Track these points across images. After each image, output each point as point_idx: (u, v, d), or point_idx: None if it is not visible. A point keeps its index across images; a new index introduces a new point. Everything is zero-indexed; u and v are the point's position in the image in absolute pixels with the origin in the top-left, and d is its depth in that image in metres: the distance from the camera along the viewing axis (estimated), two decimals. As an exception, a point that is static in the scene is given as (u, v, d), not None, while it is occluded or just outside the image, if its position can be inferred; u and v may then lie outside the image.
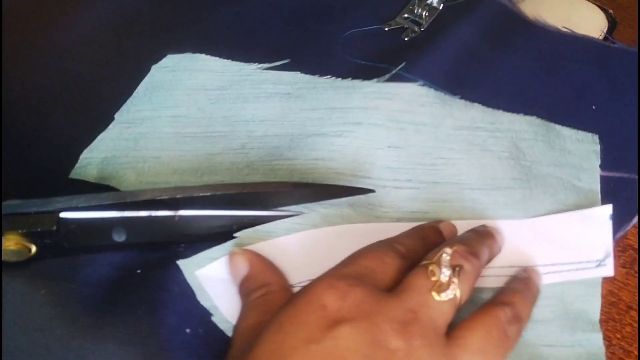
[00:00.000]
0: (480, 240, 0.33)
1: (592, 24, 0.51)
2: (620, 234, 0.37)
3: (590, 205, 0.37)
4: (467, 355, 0.27)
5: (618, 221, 0.37)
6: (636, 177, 0.40)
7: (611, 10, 0.52)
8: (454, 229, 0.35)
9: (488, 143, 0.41)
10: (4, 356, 0.30)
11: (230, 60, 0.45)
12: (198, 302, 0.33)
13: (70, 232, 0.31)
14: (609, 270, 0.35)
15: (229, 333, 0.32)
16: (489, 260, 0.34)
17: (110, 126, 0.41)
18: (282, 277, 0.33)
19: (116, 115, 0.42)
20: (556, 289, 0.34)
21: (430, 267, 0.28)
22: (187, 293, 0.33)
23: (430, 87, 0.43)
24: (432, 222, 0.35)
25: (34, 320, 0.31)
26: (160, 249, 0.35)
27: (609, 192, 0.39)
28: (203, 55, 0.45)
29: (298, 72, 0.44)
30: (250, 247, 0.34)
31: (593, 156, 0.41)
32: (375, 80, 0.43)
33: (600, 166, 0.40)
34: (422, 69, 0.44)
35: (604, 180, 0.39)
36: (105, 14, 0.49)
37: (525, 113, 0.42)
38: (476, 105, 0.43)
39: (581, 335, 0.33)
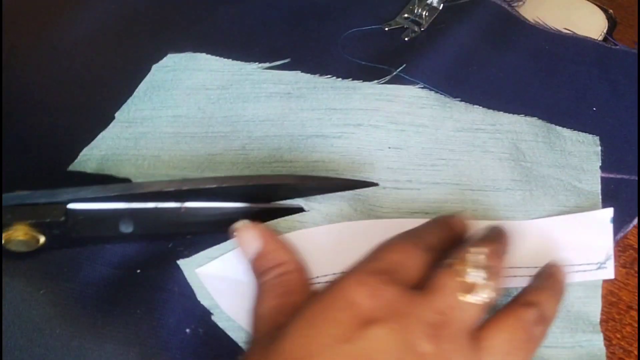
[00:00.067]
0: (501, 240, 0.32)
1: (592, 24, 0.51)
2: (620, 235, 0.38)
3: (590, 206, 0.38)
4: (493, 357, 0.27)
5: (618, 222, 0.37)
6: (636, 178, 0.40)
7: (611, 10, 0.52)
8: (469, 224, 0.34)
9: (488, 144, 0.41)
10: (4, 356, 0.30)
11: (230, 60, 0.45)
12: (198, 302, 0.32)
13: (78, 223, 0.31)
14: (609, 272, 0.35)
15: (230, 332, 0.32)
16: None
17: (111, 125, 0.41)
18: (296, 255, 0.32)
19: (117, 115, 0.42)
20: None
21: (459, 267, 0.28)
22: (187, 293, 0.33)
23: (430, 89, 0.43)
24: (454, 213, 0.34)
25: (33, 320, 0.31)
26: (166, 241, 0.35)
27: (610, 193, 0.39)
28: (203, 55, 0.45)
29: (298, 72, 0.44)
30: None
31: (594, 157, 0.41)
32: (375, 81, 0.43)
33: (601, 167, 0.40)
34: (423, 71, 0.44)
35: (604, 182, 0.39)
36: (106, 14, 0.49)
37: (526, 114, 0.43)
38: (476, 107, 0.43)
39: (582, 337, 0.33)
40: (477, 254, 0.28)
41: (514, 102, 0.43)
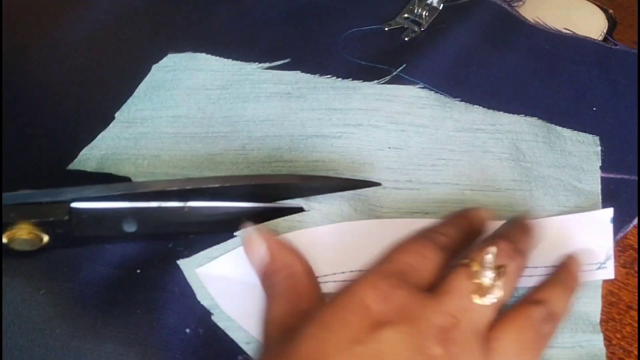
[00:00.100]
0: (524, 235, 0.32)
1: (592, 24, 0.51)
2: (620, 235, 0.38)
3: (591, 206, 0.38)
4: (502, 358, 0.27)
5: (618, 222, 0.37)
6: (636, 178, 0.40)
7: (611, 10, 0.52)
8: (491, 216, 0.34)
9: (488, 144, 0.41)
10: (4, 356, 0.30)
11: (230, 60, 0.45)
12: (198, 302, 0.32)
13: (81, 222, 0.32)
14: (609, 272, 0.35)
15: (229, 332, 0.32)
16: (534, 248, 0.33)
17: (111, 125, 0.41)
18: (302, 257, 0.32)
19: (117, 115, 0.41)
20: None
21: (473, 268, 0.28)
22: (187, 293, 0.33)
23: (430, 89, 0.43)
24: (473, 208, 0.34)
25: (33, 320, 0.31)
26: (167, 241, 0.35)
27: (610, 193, 0.39)
28: (203, 55, 0.45)
29: (298, 72, 0.44)
30: None
31: (594, 157, 0.41)
32: (375, 81, 0.43)
33: (601, 167, 0.40)
34: (423, 71, 0.44)
35: (604, 182, 0.39)
36: (106, 14, 0.49)
37: (526, 114, 0.43)
38: (476, 107, 0.43)
39: (581, 337, 0.33)
40: (490, 255, 0.28)
41: (514, 102, 0.43)
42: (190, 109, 0.42)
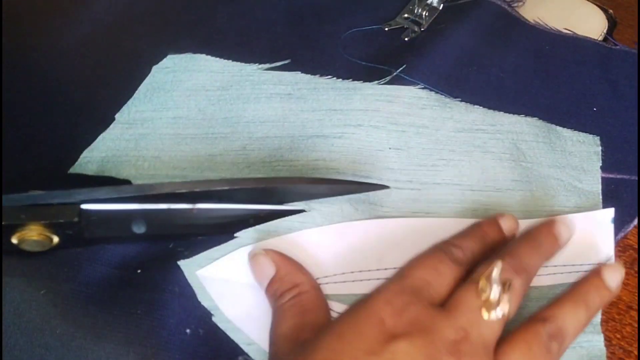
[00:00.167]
0: (531, 251, 0.32)
1: (592, 23, 0.51)
2: (620, 235, 0.38)
3: (591, 206, 0.38)
4: None
5: (619, 222, 0.37)
6: (637, 178, 0.40)
7: (611, 10, 0.52)
8: (514, 223, 0.35)
9: (489, 144, 0.41)
10: (4, 356, 0.30)
11: (230, 61, 0.45)
12: (198, 303, 0.33)
13: (91, 223, 0.32)
14: None
15: (230, 333, 0.32)
16: (551, 256, 0.34)
17: (111, 126, 0.41)
18: (310, 275, 0.33)
19: (117, 116, 0.42)
20: (557, 290, 0.34)
21: (481, 284, 0.29)
22: (187, 293, 0.33)
23: (430, 90, 0.43)
24: (493, 217, 0.35)
25: (33, 320, 0.31)
26: (169, 242, 0.35)
27: (610, 193, 0.39)
28: (203, 56, 0.45)
29: (298, 72, 0.44)
30: (263, 243, 0.34)
31: (594, 158, 0.41)
32: (375, 82, 0.43)
33: (601, 168, 0.40)
34: (423, 72, 0.44)
35: (604, 182, 0.39)
36: (106, 14, 0.49)
37: (526, 115, 0.42)
38: (477, 107, 0.43)
39: (582, 337, 0.33)
40: (496, 270, 0.29)
41: (514, 103, 0.43)
42: (191, 110, 0.42)
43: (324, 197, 0.36)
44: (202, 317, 0.32)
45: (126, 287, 0.33)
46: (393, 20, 0.49)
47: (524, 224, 0.36)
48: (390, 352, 0.26)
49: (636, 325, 0.35)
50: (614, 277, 0.32)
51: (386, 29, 0.49)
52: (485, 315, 0.28)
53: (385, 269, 0.34)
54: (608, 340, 0.34)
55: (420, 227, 0.36)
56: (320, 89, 0.43)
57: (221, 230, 0.34)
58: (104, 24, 0.48)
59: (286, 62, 0.45)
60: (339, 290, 0.34)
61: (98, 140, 0.40)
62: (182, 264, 0.33)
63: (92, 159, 0.39)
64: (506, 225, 0.34)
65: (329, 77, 0.44)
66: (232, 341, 0.32)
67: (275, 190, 0.34)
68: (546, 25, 0.50)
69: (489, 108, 0.43)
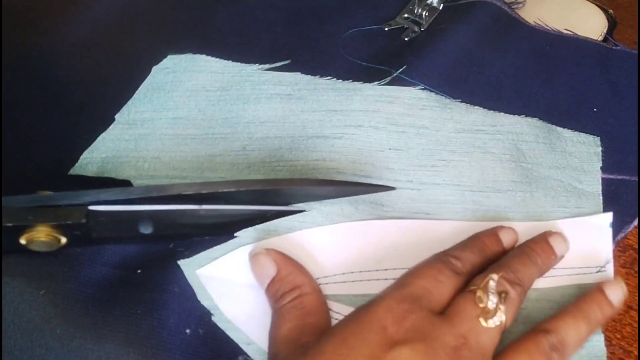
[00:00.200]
0: (525, 265, 0.33)
1: (592, 24, 0.51)
2: (620, 235, 0.38)
3: (591, 207, 0.38)
4: None
5: (619, 223, 0.37)
6: (637, 179, 0.40)
7: (611, 10, 0.52)
8: (513, 236, 0.35)
9: (489, 145, 0.41)
10: (4, 356, 0.30)
11: (230, 61, 0.45)
12: (198, 303, 0.33)
13: (99, 224, 0.32)
14: (609, 276, 0.35)
15: (229, 333, 0.32)
16: (547, 269, 0.34)
17: (111, 127, 0.41)
18: (311, 277, 0.33)
19: (117, 116, 0.41)
20: (556, 293, 0.34)
21: (478, 294, 0.30)
22: (187, 293, 0.33)
23: (430, 90, 0.43)
24: (492, 228, 0.35)
25: (33, 320, 0.31)
26: (168, 242, 0.35)
27: (610, 194, 0.39)
28: (203, 56, 0.45)
29: (299, 73, 0.44)
30: (263, 243, 0.34)
31: (594, 158, 0.41)
32: (376, 83, 0.43)
33: (602, 168, 0.40)
34: (423, 72, 0.44)
35: (605, 183, 0.39)
36: (106, 14, 0.49)
37: (526, 115, 0.43)
38: (477, 108, 0.43)
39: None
40: (492, 281, 0.30)
41: (514, 103, 0.43)
42: (191, 110, 0.42)
43: (330, 199, 0.36)
44: (202, 317, 0.32)
45: (126, 287, 0.33)
46: (393, 20, 0.49)
47: (524, 227, 0.36)
48: (392, 357, 0.27)
49: (636, 325, 0.35)
50: (617, 294, 0.33)
51: (386, 29, 0.49)
52: (484, 323, 0.29)
53: (385, 269, 0.34)
54: (608, 340, 0.34)
55: (420, 228, 0.36)
56: (320, 89, 0.43)
57: (226, 231, 0.34)
58: (104, 24, 0.48)
59: (286, 62, 0.45)
60: (339, 290, 0.34)
61: (98, 141, 0.40)
62: (182, 263, 0.33)
63: (92, 160, 0.39)
64: (505, 238, 0.35)
65: (329, 77, 0.44)
66: (232, 341, 0.32)
67: (280, 191, 0.34)
68: (546, 25, 0.50)
69: (489, 109, 0.43)
